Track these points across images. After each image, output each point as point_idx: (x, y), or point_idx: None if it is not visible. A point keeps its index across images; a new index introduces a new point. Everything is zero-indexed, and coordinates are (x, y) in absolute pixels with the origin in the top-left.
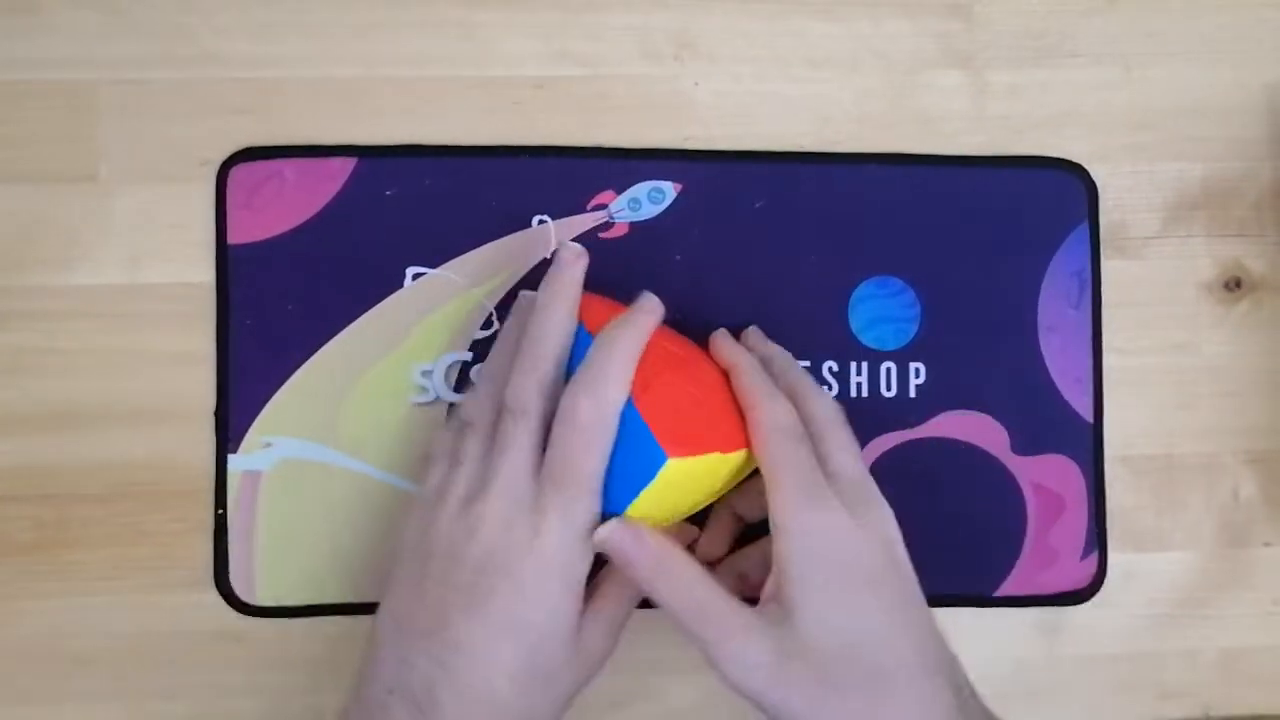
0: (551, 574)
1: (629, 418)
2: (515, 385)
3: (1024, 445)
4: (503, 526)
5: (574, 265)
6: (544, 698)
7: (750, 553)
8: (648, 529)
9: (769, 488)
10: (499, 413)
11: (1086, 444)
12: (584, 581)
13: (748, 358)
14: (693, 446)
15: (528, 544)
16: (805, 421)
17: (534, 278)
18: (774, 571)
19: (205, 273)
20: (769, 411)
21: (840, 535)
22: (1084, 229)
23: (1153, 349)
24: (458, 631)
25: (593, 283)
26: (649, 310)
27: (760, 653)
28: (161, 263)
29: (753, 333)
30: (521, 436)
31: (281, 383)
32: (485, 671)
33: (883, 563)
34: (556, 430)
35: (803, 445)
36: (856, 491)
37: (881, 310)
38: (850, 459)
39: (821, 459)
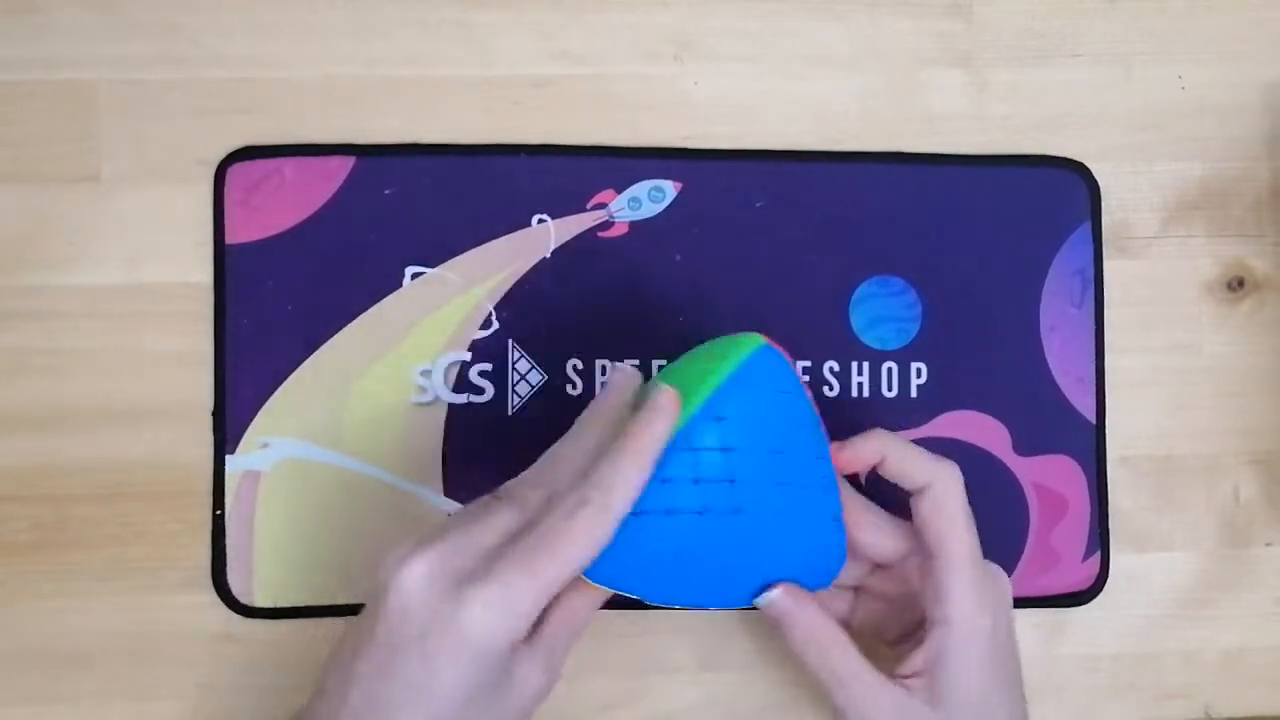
0: (463, 650)
1: None
2: (533, 480)
3: (1026, 445)
4: (438, 593)
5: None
6: None
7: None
8: (807, 595)
9: (943, 567)
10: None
11: (1089, 444)
12: (502, 651)
13: (891, 437)
14: None
15: (451, 617)
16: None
17: (533, 277)
18: (928, 653)
19: (204, 272)
20: (954, 477)
21: (999, 634)
22: (1086, 228)
23: (1154, 349)
24: (369, 686)
25: (593, 282)
26: (665, 407)
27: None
28: (160, 262)
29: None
30: (508, 516)
31: (280, 383)
32: None
33: (1014, 655)
34: (545, 516)
35: (974, 525)
36: (991, 575)
37: (883, 310)
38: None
39: None
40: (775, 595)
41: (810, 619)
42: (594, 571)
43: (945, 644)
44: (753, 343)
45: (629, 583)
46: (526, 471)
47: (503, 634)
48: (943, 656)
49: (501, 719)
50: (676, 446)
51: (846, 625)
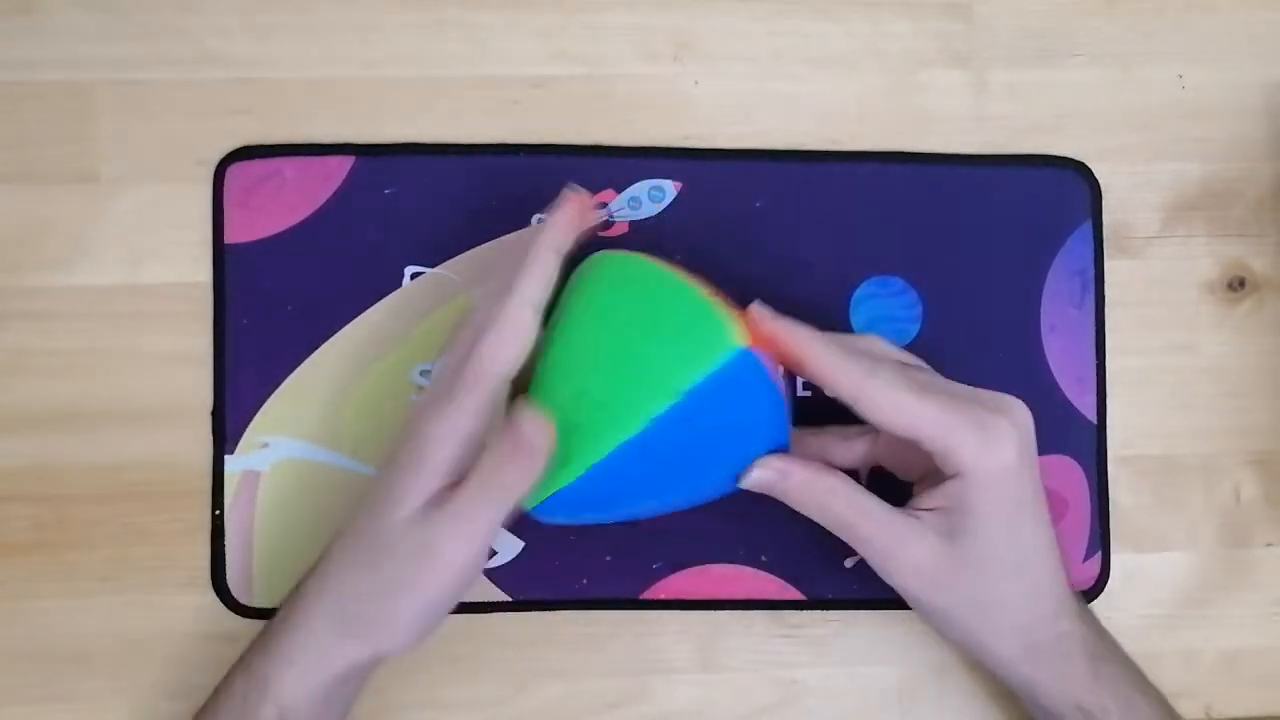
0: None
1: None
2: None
3: None
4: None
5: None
6: (365, 575)
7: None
8: (793, 459)
9: (937, 438)
10: None
11: (1090, 444)
12: (437, 476)
13: (806, 332)
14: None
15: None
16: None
17: None
18: (946, 497)
19: (203, 272)
20: (885, 374)
21: (1016, 472)
22: (1087, 228)
23: (1154, 349)
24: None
25: None
26: (568, 205)
27: (925, 561)
28: (160, 263)
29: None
30: (462, 340)
31: (279, 383)
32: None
33: (1035, 489)
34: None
35: (937, 385)
36: (999, 411)
37: (883, 310)
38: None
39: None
40: (754, 475)
41: (799, 482)
42: (558, 513)
43: (962, 494)
44: (727, 346)
45: (596, 516)
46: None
47: (446, 440)
48: (961, 503)
49: (409, 576)
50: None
51: (868, 465)
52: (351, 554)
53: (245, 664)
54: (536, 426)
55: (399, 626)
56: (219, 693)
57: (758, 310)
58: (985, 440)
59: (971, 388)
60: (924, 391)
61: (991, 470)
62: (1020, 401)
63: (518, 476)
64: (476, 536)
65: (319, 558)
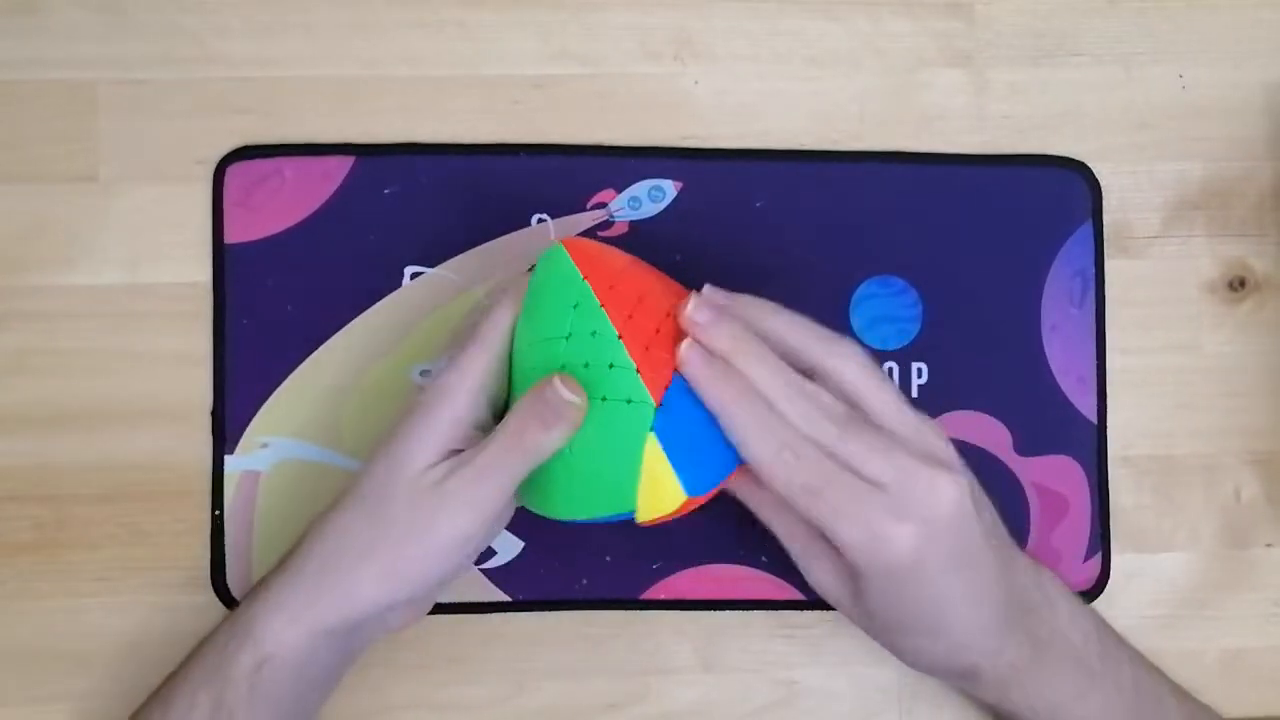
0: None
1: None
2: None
3: (1027, 445)
4: None
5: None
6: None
7: None
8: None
9: (826, 527)
10: None
11: (1090, 444)
12: (446, 427)
13: (756, 308)
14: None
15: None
16: (837, 387)
17: None
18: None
19: (203, 272)
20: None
21: (907, 567)
22: (1087, 228)
23: (1155, 349)
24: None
25: None
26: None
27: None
28: (160, 262)
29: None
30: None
31: (279, 383)
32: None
33: (947, 557)
34: None
35: (842, 476)
36: (908, 492)
37: (883, 310)
38: (898, 412)
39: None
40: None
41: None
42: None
43: (853, 565)
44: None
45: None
46: None
47: (456, 391)
48: (855, 573)
49: (407, 528)
50: None
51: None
52: (355, 507)
53: (232, 613)
54: (570, 386)
55: (396, 581)
56: (203, 641)
57: (709, 292)
58: (874, 541)
59: (907, 456)
60: (824, 483)
61: (877, 567)
62: (951, 479)
63: (543, 438)
64: (489, 500)
65: (323, 510)
